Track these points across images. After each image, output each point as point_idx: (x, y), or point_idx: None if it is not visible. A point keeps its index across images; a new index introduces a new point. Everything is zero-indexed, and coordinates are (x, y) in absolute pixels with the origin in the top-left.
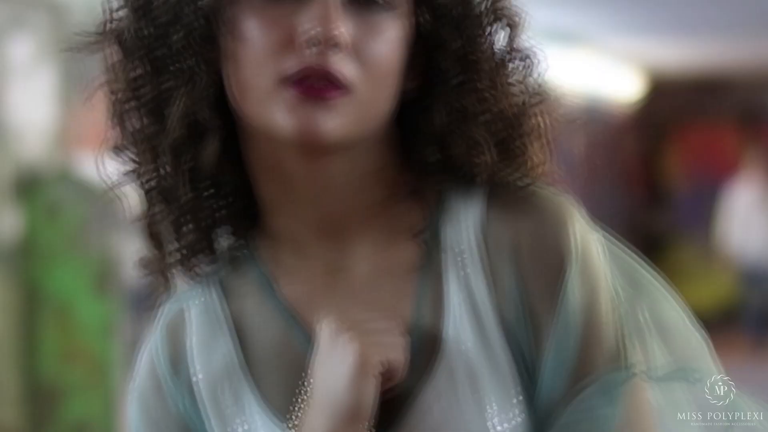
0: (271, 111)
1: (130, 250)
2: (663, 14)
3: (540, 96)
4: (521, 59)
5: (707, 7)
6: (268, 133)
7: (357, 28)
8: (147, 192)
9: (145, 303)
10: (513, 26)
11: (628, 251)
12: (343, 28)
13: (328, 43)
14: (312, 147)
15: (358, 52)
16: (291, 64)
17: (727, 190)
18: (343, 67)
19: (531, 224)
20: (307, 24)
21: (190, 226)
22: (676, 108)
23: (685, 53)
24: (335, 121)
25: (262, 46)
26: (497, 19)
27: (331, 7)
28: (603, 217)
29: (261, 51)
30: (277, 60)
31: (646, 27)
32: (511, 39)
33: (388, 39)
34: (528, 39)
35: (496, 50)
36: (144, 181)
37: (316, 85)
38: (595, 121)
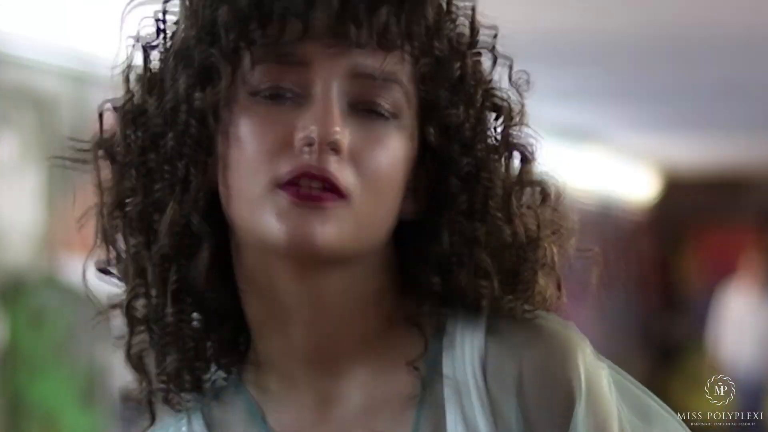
0: (262, 216)
1: (119, 360)
2: (679, 112)
3: (554, 226)
4: (535, 187)
5: (724, 104)
6: (260, 242)
7: (357, 136)
8: (130, 314)
9: (132, 415)
10: (527, 152)
11: (636, 383)
12: (343, 132)
13: (326, 144)
14: (305, 257)
15: (357, 160)
16: (286, 167)
17: (721, 294)
18: (342, 172)
19: (535, 356)
20: (305, 125)
21: (174, 351)
22: (693, 209)
23: (701, 152)
24: (331, 230)
25: (257, 148)
26: (511, 145)
27: (332, 110)
28: (616, 324)
29: (255, 153)
30: (272, 162)
31: (662, 125)
32: (526, 165)
33: (390, 150)
34: (541, 166)
35: (510, 174)
36: (128, 302)
37: (311, 189)
38: (609, 222)
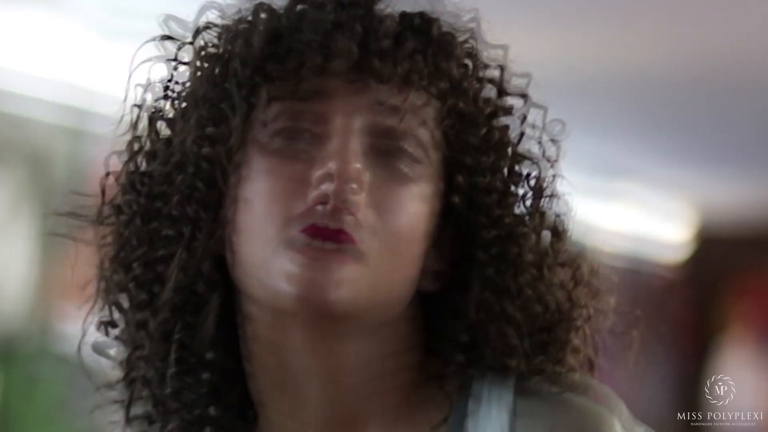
0: (272, 274)
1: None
2: (717, 154)
3: (588, 292)
4: (568, 265)
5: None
6: (269, 302)
7: (378, 178)
8: (131, 384)
9: None
10: (559, 228)
11: None
12: (361, 166)
13: (344, 178)
14: (318, 315)
15: (375, 202)
16: (298, 226)
17: (714, 351)
18: (358, 232)
19: (570, 420)
20: (323, 161)
21: (176, 419)
22: (732, 260)
23: (742, 198)
24: (345, 287)
25: (271, 193)
26: (543, 217)
27: (351, 146)
28: (649, 389)
29: (268, 199)
30: (285, 212)
31: (699, 165)
32: (558, 241)
33: (411, 194)
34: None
35: (541, 244)
36: (127, 372)
37: (325, 246)
38: (642, 273)
